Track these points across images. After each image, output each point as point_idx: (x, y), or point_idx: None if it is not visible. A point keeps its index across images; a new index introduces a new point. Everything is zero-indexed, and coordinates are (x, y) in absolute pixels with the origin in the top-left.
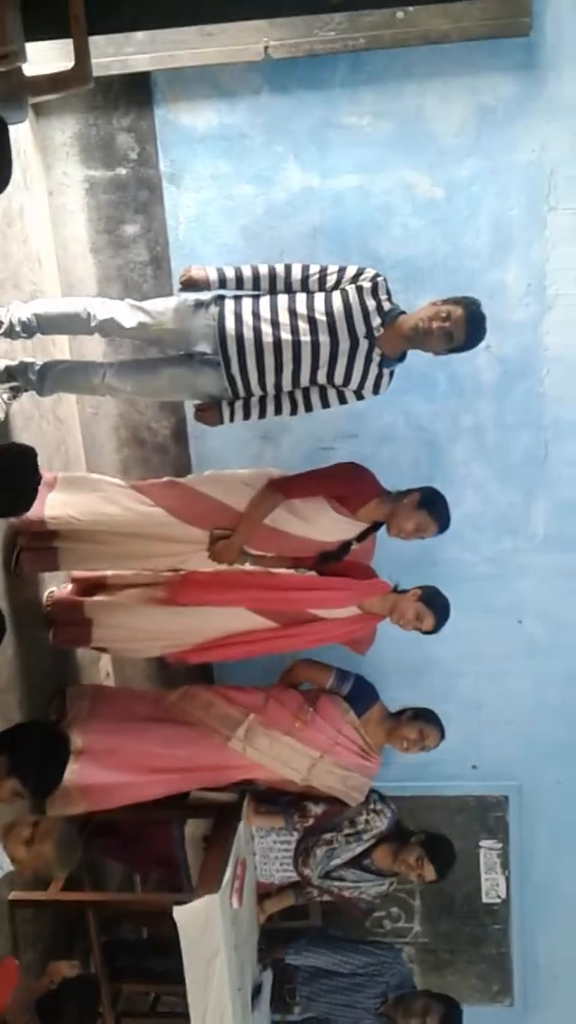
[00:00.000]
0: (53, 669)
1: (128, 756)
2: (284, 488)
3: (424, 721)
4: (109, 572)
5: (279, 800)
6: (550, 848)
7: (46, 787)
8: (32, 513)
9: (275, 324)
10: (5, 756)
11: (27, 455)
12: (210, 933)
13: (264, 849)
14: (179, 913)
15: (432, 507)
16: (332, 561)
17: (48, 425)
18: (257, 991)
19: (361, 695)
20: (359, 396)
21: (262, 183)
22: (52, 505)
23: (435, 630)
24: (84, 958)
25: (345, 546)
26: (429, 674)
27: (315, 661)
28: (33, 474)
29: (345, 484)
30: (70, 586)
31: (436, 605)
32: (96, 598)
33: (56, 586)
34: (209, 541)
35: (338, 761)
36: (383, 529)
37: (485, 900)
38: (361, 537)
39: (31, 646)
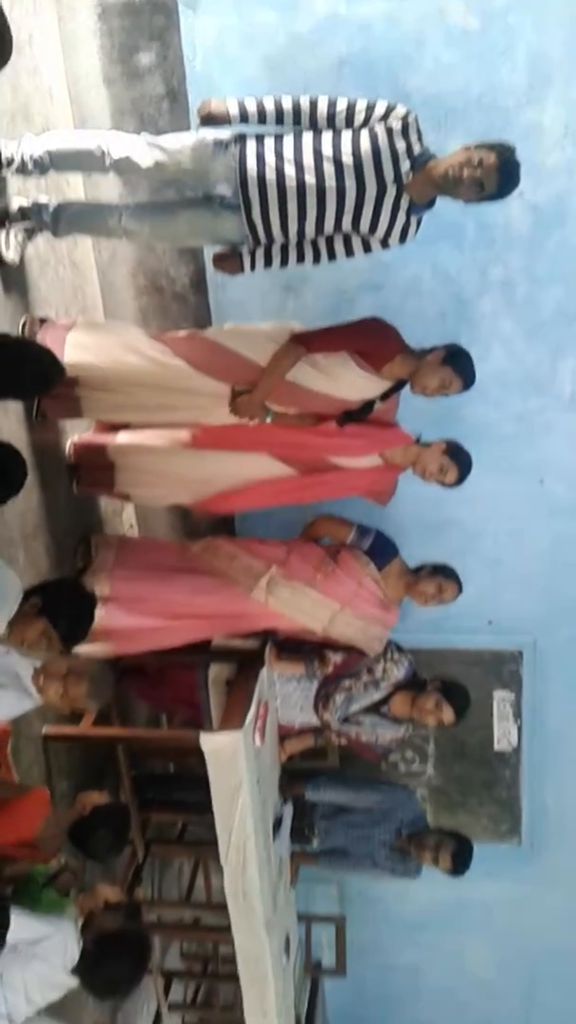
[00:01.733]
0: (78, 519)
1: (154, 603)
2: (307, 342)
3: (442, 576)
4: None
5: (300, 648)
6: (562, 700)
7: (76, 633)
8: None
9: (299, 166)
10: (37, 597)
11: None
12: (234, 767)
13: (285, 695)
14: (206, 743)
15: (457, 363)
16: (354, 421)
17: (64, 270)
18: (278, 823)
19: (381, 550)
20: (384, 244)
21: (285, 9)
22: (72, 348)
23: (458, 483)
24: (114, 790)
25: (368, 405)
26: (449, 532)
27: (336, 516)
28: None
29: (369, 340)
30: (92, 430)
31: (460, 458)
32: (119, 441)
33: (78, 435)
34: (230, 396)
35: (358, 612)
36: (406, 389)
37: (497, 747)
38: (384, 396)
39: (55, 495)
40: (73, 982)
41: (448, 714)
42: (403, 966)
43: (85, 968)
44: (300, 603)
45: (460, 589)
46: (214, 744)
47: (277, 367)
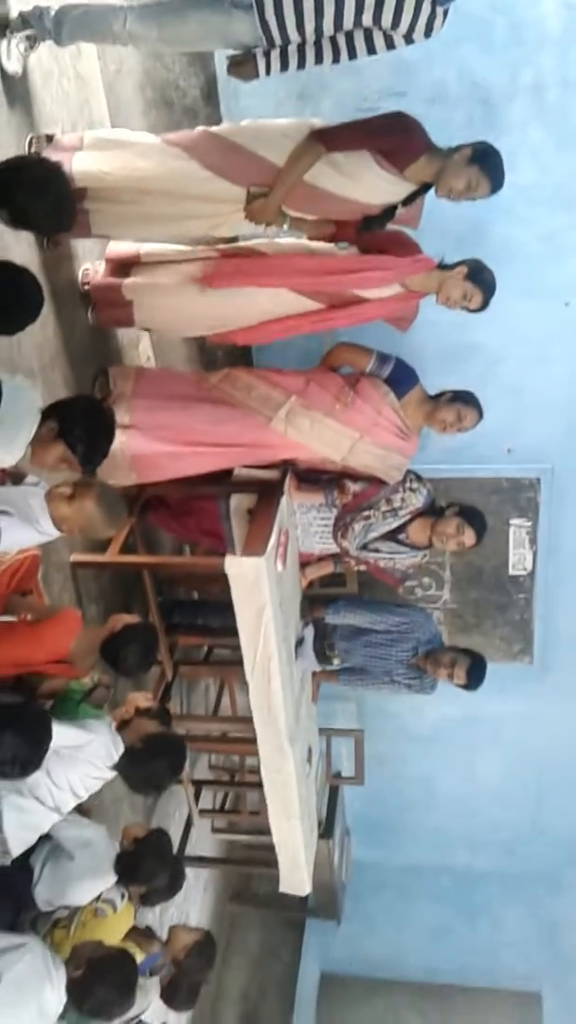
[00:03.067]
0: (94, 349)
1: (174, 431)
2: (326, 140)
3: (462, 403)
4: (143, 250)
5: (319, 478)
6: None
7: (94, 455)
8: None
9: None
10: (54, 420)
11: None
12: (257, 591)
13: (305, 524)
14: (230, 568)
15: (485, 162)
16: (375, 227)
17: (69, 83)
18: (300, 644)
19: (401, 378)
20: (408, 40)
21: None
22: (81, 160)
23: (482, 308)
24: (142, 615)
25: (390, 210)
26: (470, 359)
27: (355, 344)
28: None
29: (392, 137)
30: (104, 266)
31: (483, 281)
32: (133, 279)
33: (90, 263)
34: (246, 200)
35: (377, 441)
36: (431, 200)
37: (512, 572)
38: (407, 200)
39: (71, 325)
40: (114, 775)
41: (469, 536)
42: (417, 776)
43: (127, 766)
44: (319, 433)
45: (480, 416)
46: (238, 569)
47: (294, 167)
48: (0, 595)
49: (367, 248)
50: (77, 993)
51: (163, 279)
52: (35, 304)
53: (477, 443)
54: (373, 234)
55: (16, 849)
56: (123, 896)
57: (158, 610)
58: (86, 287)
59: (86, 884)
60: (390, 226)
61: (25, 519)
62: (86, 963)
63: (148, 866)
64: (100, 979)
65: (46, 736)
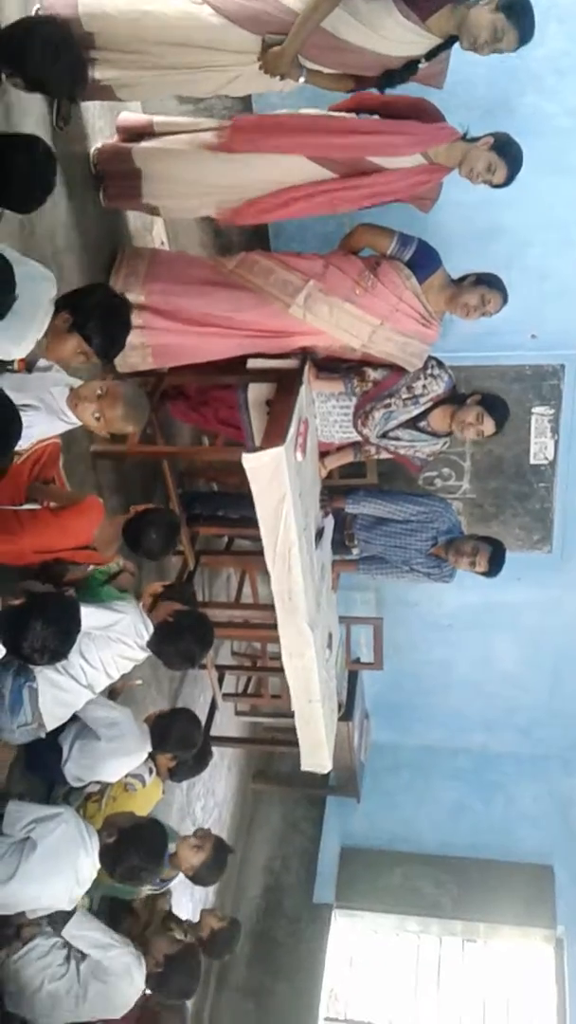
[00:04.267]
0: (107, 234)
1: (191, 315)
2: None
3: (486, 286)
4: (156, 119)
5: (339, 367)
6: None
7: (110, 348)
8: (64, 7)
9: None
10: (67, 312)
11: None
12: (277, 481)
13: (324, 413)
14: (248, 460)
15: (512, 10)
16: (397, 82)
17: None
18: (320, 534)
19: (423, 261)
20: None
21: None
22: (87, 2)
23: (506, 183)
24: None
25: (412, 64)
26: (494, 241)
27: (376, 225)
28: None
29: None
30: (116, 136)
31: (509, 153)
32: (144, 144)
33: (102, 142)
34: (261, 49)
35: (398, 328)
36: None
37: (532, 462)
38: (430, 55)
39: (83, 208)
40: (145, 655)
41: (489, 426)
42: (435, 661)
43: (159, 643)
44: (339, 319)
45: (504, 301)
46: (257, 461)
47: (312, 14)
48: (22, 484)
49: (390, 115)
50: (110, 860)
51: (175, 145)
52: (49, 176)
53: (500, 329)
54: (395, 101)
55: (50, 724)
56: (151, 772)
57: (178, 501)
58: (97, 167)
59: (114, 762)
60: (413, 88)
61: (50, 410)
62: (118, 832)
63: (179, 729)
64: (132, 847)
65: (75, 626)
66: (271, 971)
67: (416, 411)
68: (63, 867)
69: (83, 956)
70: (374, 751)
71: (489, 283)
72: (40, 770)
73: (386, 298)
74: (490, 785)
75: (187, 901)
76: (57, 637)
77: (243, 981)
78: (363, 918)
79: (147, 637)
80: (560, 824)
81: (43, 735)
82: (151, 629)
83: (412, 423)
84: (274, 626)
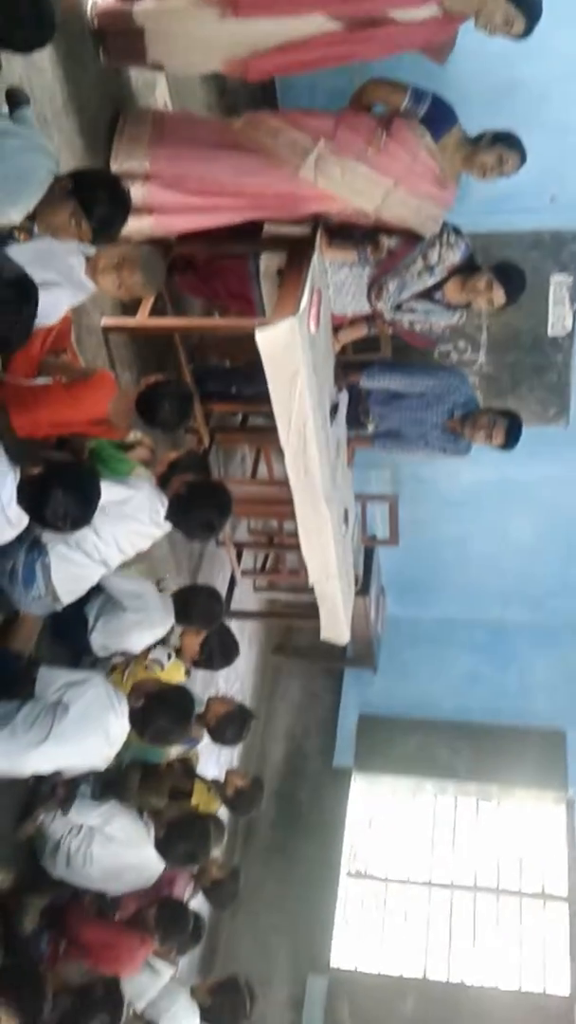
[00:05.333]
0: (108, 94)
1: (198, 181)
2: None
3: (504, 145)
4: None
5: (352, 234)
6: None
7: (110, 222)
8: None
9: None
10: (68, 179)
11: None
12: (290, 354)
13: (337, 283)
14: (260, 334)
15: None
16: None
17: None
18: (335, 409)
19: (438, 117)
20: None
21: None
22: None
23: (525, 34)
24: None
25: None
26: (513, 96)
27: (388, 80)
28: None
29: None
30: None
31: (526, 3)
32: (145, 4)
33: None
34: None
35: (413, 190)
36: None
37: (550, 333)
38: None
39: (83, 67)
40: (160, 532)
41: (499, 295)
42: (450, 537)
43: (178, 515)
44: (351, 181)
45: (523, 160)
46: (270, 333)
47: None
48: (35, 357)
49: None
50: (139, 722)
51: (177, 4)
52: (48, 14)
53: (518, 192)
54: None
55: (65, 599)
56: (170, 656)
57: (191, 377)
58: (96, 22)
59: (138, 633)
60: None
61: (71, 283)
62: (146, 696)
63: (201, 603)
64: (160, 710)
65: (95, 493)
66: (295, 831)
67: (431, 281)
68: (95, 728)
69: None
70: (390, 625)
71: (507, 142)
72: (67, 640)
73: (400, 157)
74: (504, 655)
75: (213, 765)
76: (78, 504)
77: (269, 840)
78: (381, 781)
79: (163, 513)
80: (572, 691)
81: (59, 608)
82: (166, 505)
83: (427, 294)
84: (290, 503)
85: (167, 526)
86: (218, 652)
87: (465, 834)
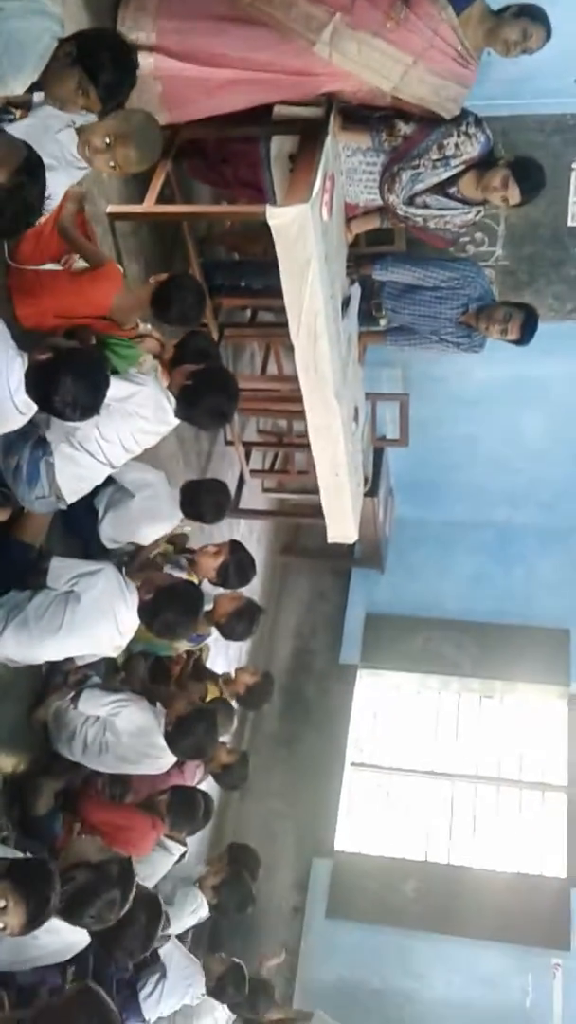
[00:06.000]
0: None
1: (206, 57)
2: None
3: (529, 18)
4: None
5: (368, 116)
6: None
7: (116, 88)
8: None
9: None
10: (71, 44)
11: None
12: (302, 242)
13: (350, 169)
14: (272, 216)
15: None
16: None
17: None
18: (346, 303)
19: None
20: None
21: None
22: None
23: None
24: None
25: None
26: None
27: None
28: None
29: None
30: None
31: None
32: None
33: None
34: None
35: (432, 67)
36: None
37: (570, 224)
38: None
39: None
40: (166, 428)
41: (514, 193)
42: (461, 437)
43: (186, 408)
44: (368, 58)
45: (548, 34)
46: (281, 218)
47: None
48: (45, 242)
49: None
50: (148, 614)
51: None
52: None
53: (540, 73)
54: None
55: (70, 498)
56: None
57: (200, 270)
58: None
59: (147, 525)
60: None
61: (64, 163)
62: (155, 590)
63: (209, 496)
64: (169, 604)
65: (104, 381)
66: (301, 723)
67: (446, 174)
68: (105, 617)
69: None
70: (398, 525)
71: (532, 15)
72: (78, 532)
73: (420, 32)
74: (511, 557)
75: (222, 661)
76: (87, 391)
77: (276, 731)
78: (386, 677)
79: (169, 410)
80: None
81: (63, 507)
82: (173, 403)
83: (441, 188)
84: (300, 401)
85: (174, 422)
86: (235, 573)
87: (468, 728)
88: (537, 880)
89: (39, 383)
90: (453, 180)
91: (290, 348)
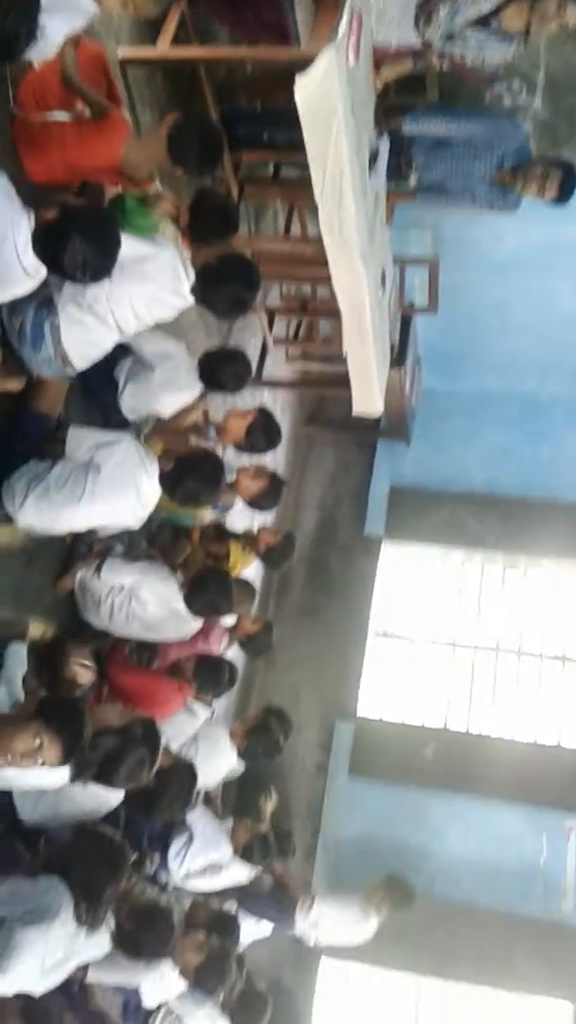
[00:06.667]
0: None
1: None
2: None
3: None
4: None
5: None
6: None
7: None
8: None
9: None
10: None
11: None
12: (327, 89)
13: (380, 9)
14: (295, 57)
15: None
16: None
17: None
18: (374, 157)
19: None
20: None
21: None
22: None
23: None
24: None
25: None
26: None
27: None
28: None
29: None
30: None
31: None
32: None
33: None
34: None
35: None
36: None
37: None
38: None
39: None
40: (182, 302)
41: (572, 14)
42: (492, 304)
43: (204, 289)
44: None
45: None
46: (305, 61)
47: None
48: (51, 90)
49: None
50: (169, 484)
51: None
52: None
53: None
54: None
55: (78, 363)
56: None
57: (220, 120)
58: None
59: (167, 395)
60: None
61: (63, 4)
62: (176, 459)
63: (229, 368)
64: (189, 472)
65: (115, 242)
66: (326, 594)
67: (487, 6)
68: (127, 487)
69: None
70: (425, 397)
71: None
72: (97, 404)
73: None
74: (539, 431)
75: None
76: (97, 251)
77: (301, 601)
78: (410, 550)
79: (186, 282)
80: None
81: (71, 374)
82: (191, 275)
83: (483, 22)
84: (325, 264)
85: (189, 298)
86: (261, 436)
87: (490, 600)
88: (554, 750)
89: (47, 243)
90: (496, 11)
91: (315, 206)
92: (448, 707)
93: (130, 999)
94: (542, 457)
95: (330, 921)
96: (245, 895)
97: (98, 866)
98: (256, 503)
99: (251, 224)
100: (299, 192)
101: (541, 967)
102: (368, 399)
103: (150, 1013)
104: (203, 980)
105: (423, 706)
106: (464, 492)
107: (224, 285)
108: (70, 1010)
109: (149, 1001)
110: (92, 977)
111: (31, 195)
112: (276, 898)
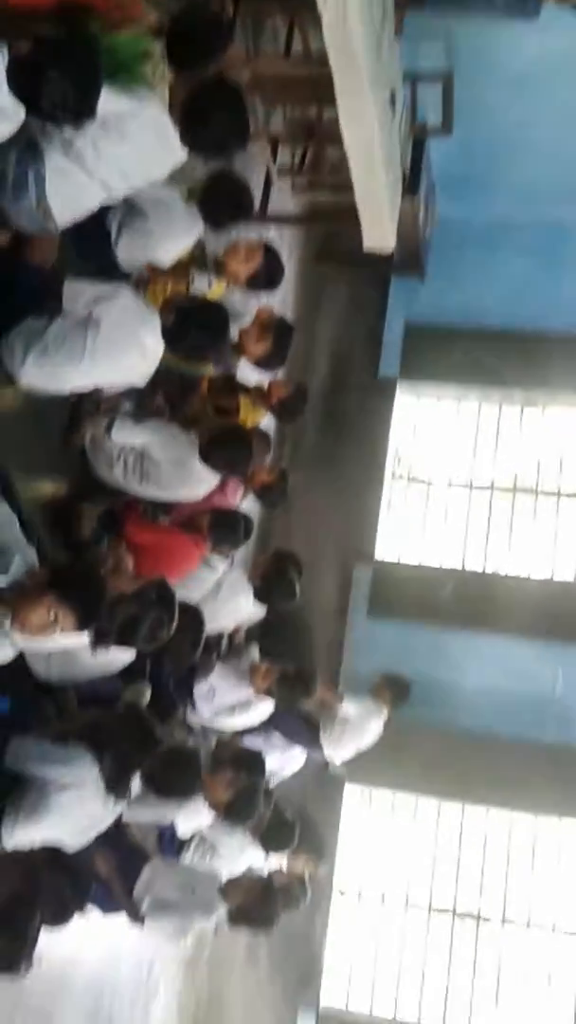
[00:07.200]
0: None
1: None
2: None
3: None
4: None
5: None
6: None
7: None
8: None
9: None
10: None
11: None
12: None
13: None
14: None
15: None
16: None
17: None
18: None
19: None
20: None
21: None
22: None
23: None
24: None
25: None
26: None
27: None
28: None
29: None
30: None
31: None
32: None
33: None
34: None
35: None
36: None
37: None
38: None
39: None
40: (172, 158)
41: None
42: (511, 123)
43: (186, 132)
44: None
45: None
46: None
47: None
48: None
49: None
50: (172, 338)
51: None
52: None
53: None
54: None
55: (60, 219)
56: (210, 284)
57: None
58: None
59: (165, 242)
60: None
61: None
62: (177, 311)
63: (227, 195)
64: (193, 324)
65: (97, 76)
66: (341, 438)
67: None
68: (129, 342)
69: None
70: (440, 227)
71: None
72: (91, 258)
73: None
74: (560, 260)
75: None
76: (78, 88)
77: (316, 448)
78: (426, 391)
79: (175, 137)
80: None
81: (52, 230)
82: (175, 130)
83: None
84: (330, 85)
85: (181, 155)
86: (263, 274)
87: (507, 439)
88: (570, 586)
89: (23, 79)
90: None
91: (317, 19)
92: (465, 547)
93: (164, 831)
94: (564, 289)
95: (354, 720)
96: (275, 716)
97: (134, 752)
98: (266, 362)
99: (248, 42)
100: (299, 4)
101: (555, 789)
102: (379, 232)
103: (183, 844)
104: (233, 815)
105: (440, 548)
106: (482, 328)
107: (206, 119)
108: (106, 847)
109: (183, 831)
110: (127, 816)
111: (4, 28)
112: (304, 718)
